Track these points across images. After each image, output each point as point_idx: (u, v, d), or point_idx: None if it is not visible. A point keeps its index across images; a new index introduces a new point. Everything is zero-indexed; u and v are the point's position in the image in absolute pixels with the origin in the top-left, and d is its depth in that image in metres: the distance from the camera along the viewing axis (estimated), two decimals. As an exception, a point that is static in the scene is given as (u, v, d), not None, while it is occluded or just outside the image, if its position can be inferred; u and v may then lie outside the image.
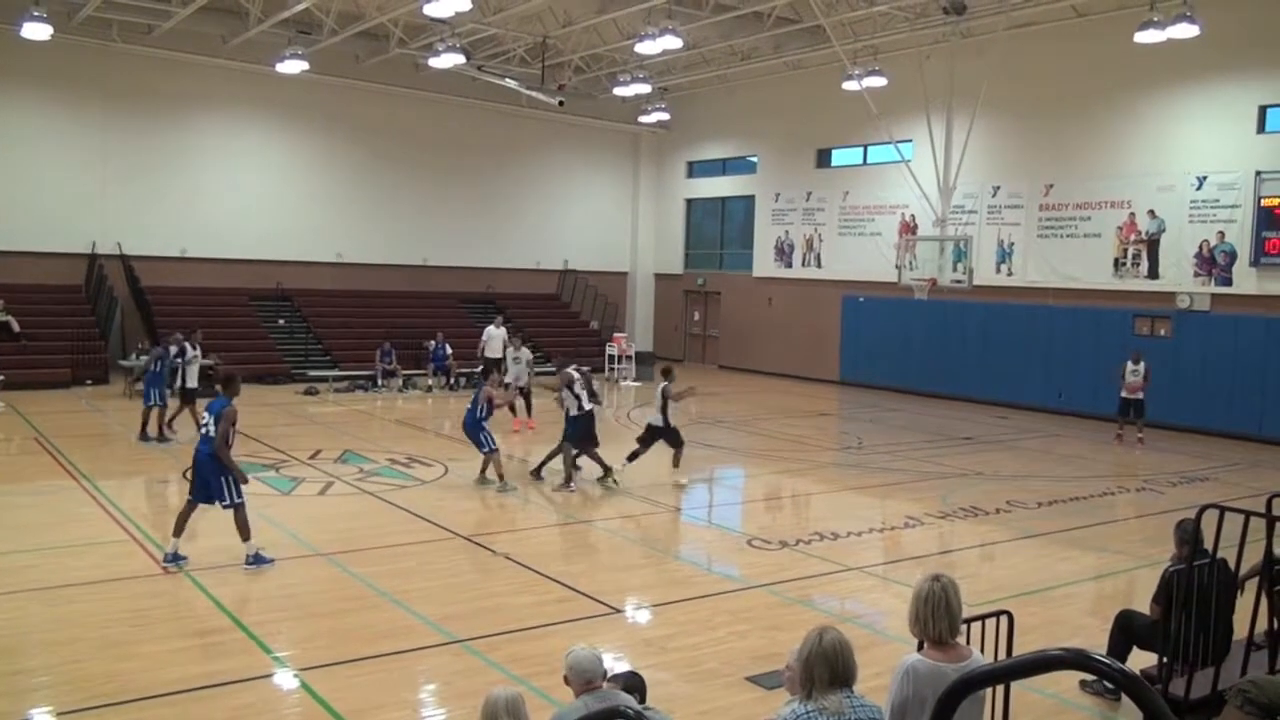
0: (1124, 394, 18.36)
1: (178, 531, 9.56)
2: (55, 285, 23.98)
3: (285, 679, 7.06)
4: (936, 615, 4.18)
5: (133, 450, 15.47)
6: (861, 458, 16.78)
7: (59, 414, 18.38)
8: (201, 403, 11.46)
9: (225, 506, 9.48)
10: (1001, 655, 5.26)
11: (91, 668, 7.11)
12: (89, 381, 22.11)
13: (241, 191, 26.34)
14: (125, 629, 7.93)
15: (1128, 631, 7.00)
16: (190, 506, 9.66)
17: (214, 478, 9.43)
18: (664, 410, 14.01)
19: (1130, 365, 18.29)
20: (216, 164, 26.10)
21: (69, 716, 6.43)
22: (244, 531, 9.49)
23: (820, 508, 13.64)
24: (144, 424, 16.13)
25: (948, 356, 24.28)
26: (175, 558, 9.45)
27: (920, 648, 4.31)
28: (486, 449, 13.26)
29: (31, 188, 23.61)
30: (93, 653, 7.38)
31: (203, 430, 9.57)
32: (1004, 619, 5.43)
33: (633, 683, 4.97)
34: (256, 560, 9.47)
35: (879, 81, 22.44)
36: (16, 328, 22.17)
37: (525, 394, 18.72)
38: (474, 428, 13.27)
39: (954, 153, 21.64)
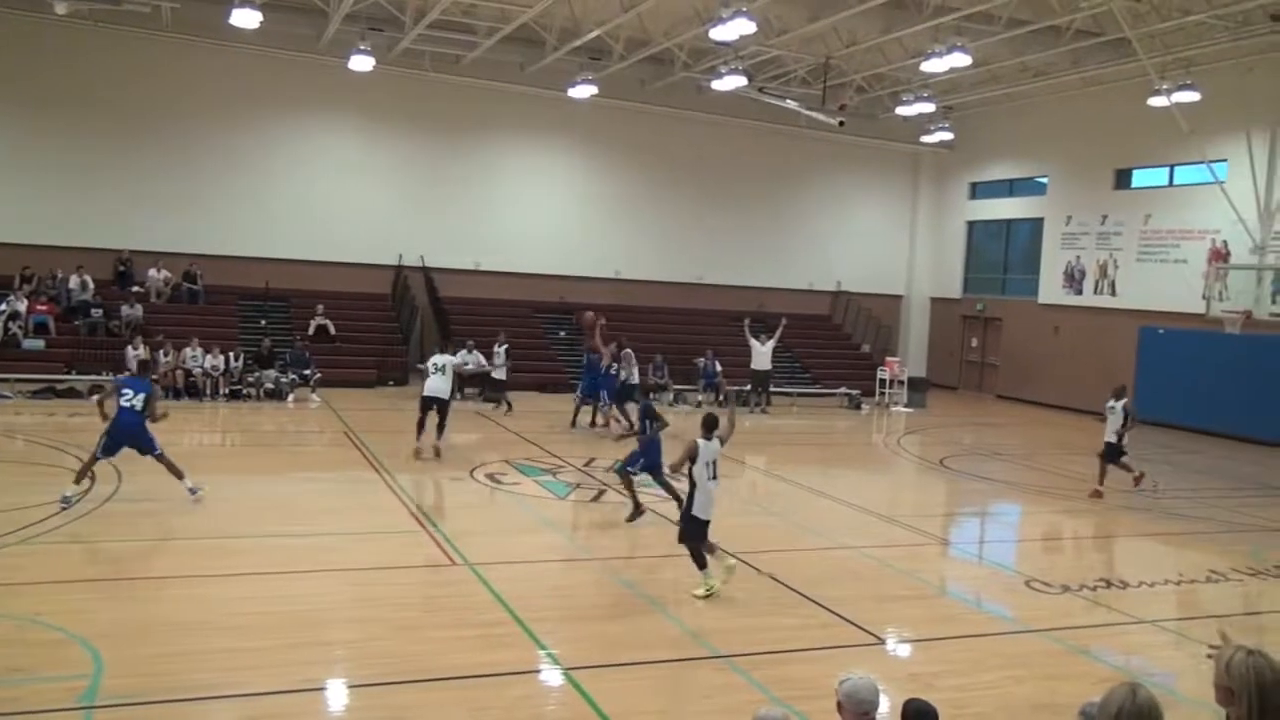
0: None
1: (80, 479, 11.39)
2: (366, 293, 26.33)
3: (556, 675, 7.36)
4: None
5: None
6: (1155, 502, 15.49)
7: (365, 411, 20.09)
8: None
9: (157, 456, 11.62)
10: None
11: (386, 646, 7.72)
12: (391, 382, 24.05)
13: (530, 209, 27.88)
14: (417, 614, 8.56)
15: None
16: (95, 460, 11.51)
17: (143, 437, 11.58)
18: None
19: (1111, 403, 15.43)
20: (508, 183, 27.74)
21: (362, 689, 7.02)
22: (177, 471, 11.61)
23: (1107, 552, 12.74)
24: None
25: (1263, 397, 21.93)
26: (67, 499, 11.17)
27: None
28: None
29: (351, 205, 26.06)
30: (388, 633, 8.01)
31: (127, 404, 11.46)
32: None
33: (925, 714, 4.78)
34: (194, 490, 11.60)
35: (1191, 96, 20.72)
36: (332, 331, 24.51)
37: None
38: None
39: (1277, 173, 19.68)
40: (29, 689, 6.55)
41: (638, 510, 11.86)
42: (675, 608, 8.82)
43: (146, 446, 11.71)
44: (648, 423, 12.19)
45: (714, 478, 9.35)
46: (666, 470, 9.78)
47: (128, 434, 11.58)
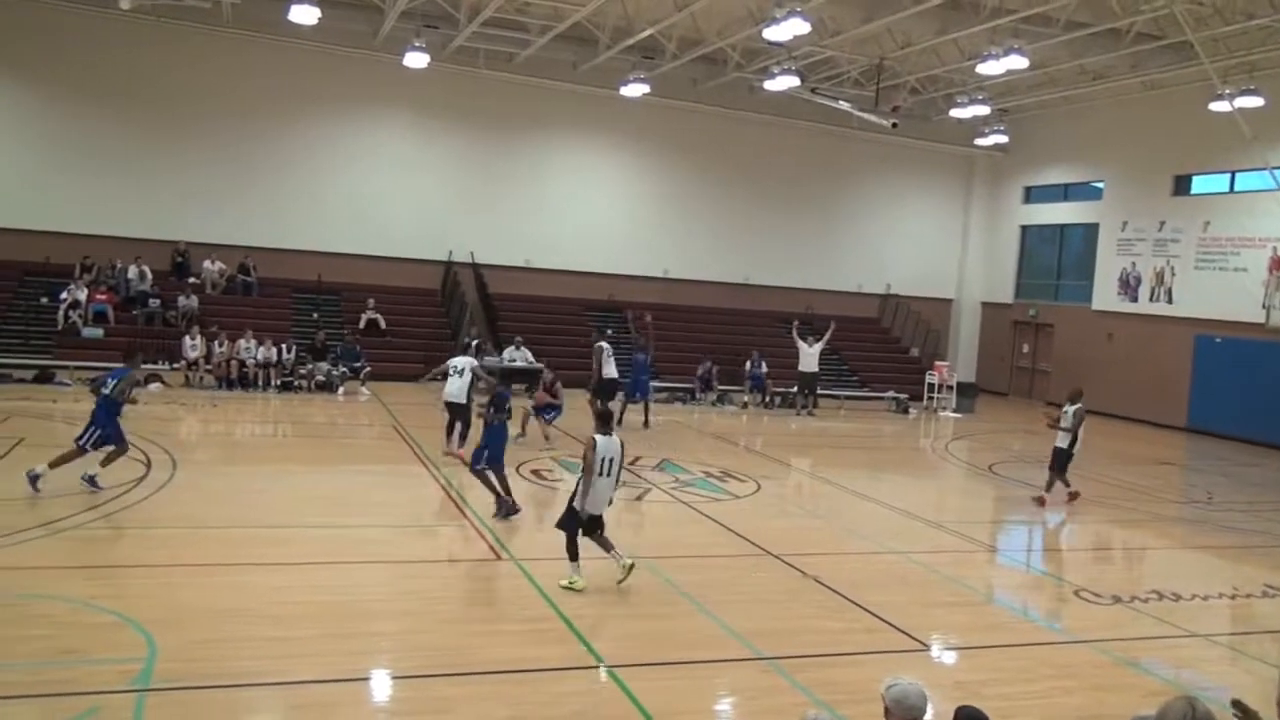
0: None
1: (55, 464, 11.11)
2: (416, 288, 26.54)
3: (599, 673, 7.37)
4: None
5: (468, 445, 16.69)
6: (1209, 514, 15.21)
7: (412, 405, 20.22)
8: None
9: (120, 446, 11.60)
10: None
11: (430, 639, 7.79)
12: (439, 378, 24.20)
13: (580, 207, 27.95)
14: (461, 607, 8.63)
15: None
16: (81, 452, 11.30)
17: (102, 422, 11.39)
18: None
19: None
20: (559, 181, 27.83)
21: (404, 680, 7.10)
22: (62, 461, 11.19)
23: (1158, 564, 12.49)
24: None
25: (1323, 410, 21.48)
26: (34, 478, 10.99)
27: None
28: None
29: (403, 201, 26.26)
30: (431, 626, 8.08)
31: (105, 390, 11.53)
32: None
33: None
34: (91, 481, 11.24)
35: (1255, 101, 20.31)
36: (383, 325, 24.75)
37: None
38: None
39: (1344, 181, 19.22)
40: (84, 670, 6.68)
41: (502, 503, 11.50)
42: (719, 608, 8.79)
43: (114, 439, 11.54)
44: (491, 410, 11.86)
45: (608, 474, 9.16)
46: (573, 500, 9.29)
47: (94, 417, 11.46)
